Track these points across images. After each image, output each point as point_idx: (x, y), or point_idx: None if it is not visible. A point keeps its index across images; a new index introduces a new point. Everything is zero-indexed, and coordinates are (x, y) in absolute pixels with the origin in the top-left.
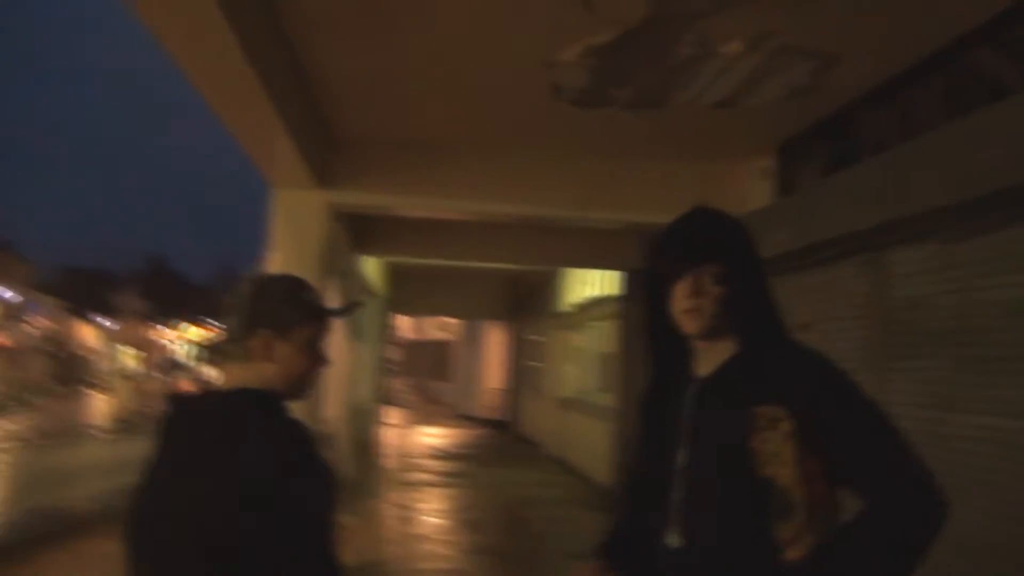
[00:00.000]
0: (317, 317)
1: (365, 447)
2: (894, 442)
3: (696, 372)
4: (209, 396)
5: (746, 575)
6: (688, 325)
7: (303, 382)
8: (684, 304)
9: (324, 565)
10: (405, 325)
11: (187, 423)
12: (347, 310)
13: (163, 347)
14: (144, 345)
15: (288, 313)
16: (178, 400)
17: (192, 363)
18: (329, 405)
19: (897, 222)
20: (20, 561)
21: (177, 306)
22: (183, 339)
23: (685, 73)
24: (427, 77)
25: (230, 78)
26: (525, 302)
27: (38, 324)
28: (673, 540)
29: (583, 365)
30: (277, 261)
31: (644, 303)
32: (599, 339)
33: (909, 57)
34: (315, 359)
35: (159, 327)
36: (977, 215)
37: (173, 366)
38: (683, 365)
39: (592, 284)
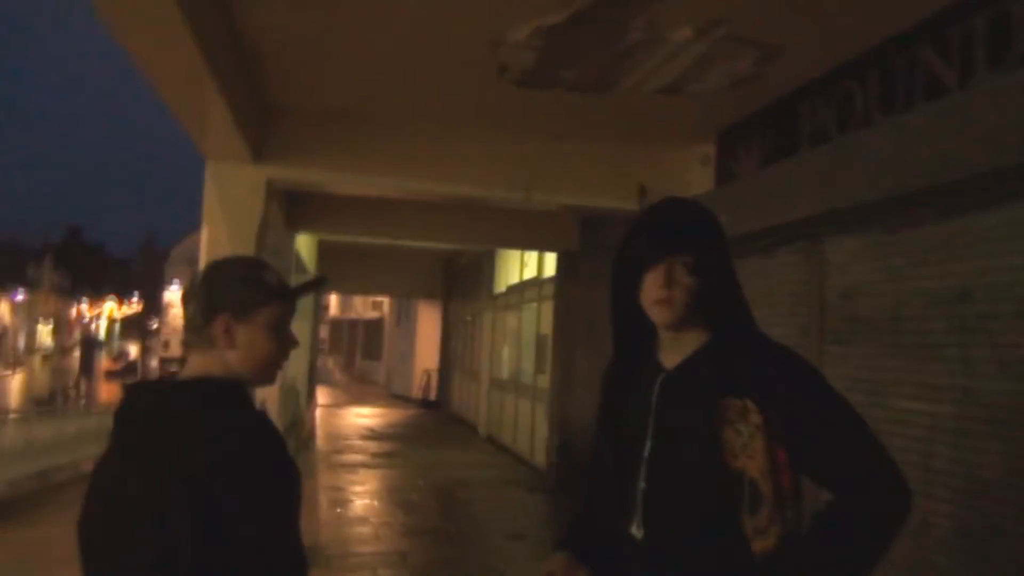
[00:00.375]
0: (279, 298)
1: (297, 428)
2: (863, 436)
3: (662, 362)
4: (166, 386)
5: (712, 566)
6: (659, 314)
7: (270, 366)
8: (656, 293)
9: (283, 561)
10: (336, 303)
11: (140, 414)
12: (311, 287)
13: (81, 322)
14: (60, 320)
15: (248, 295)
16: (134, 389)
17: (111, 339)
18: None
19: (834, 212)
20: None
21: (96, 279)
22: (103, 314)
23: (632, 57)
24: (370, 50)
25: (164, 43)
26: (460, 282)
27: None
28: (636, 531)
29: (518, 346)
30: (210, 237)
31: (612, 290)
32: (534, 320)
33: (849, 51)
34: (282, 342)
35: (77, 301)
36: (910, 208)
37: (92, 342)
38: (646, 354)
39: (528, 265)
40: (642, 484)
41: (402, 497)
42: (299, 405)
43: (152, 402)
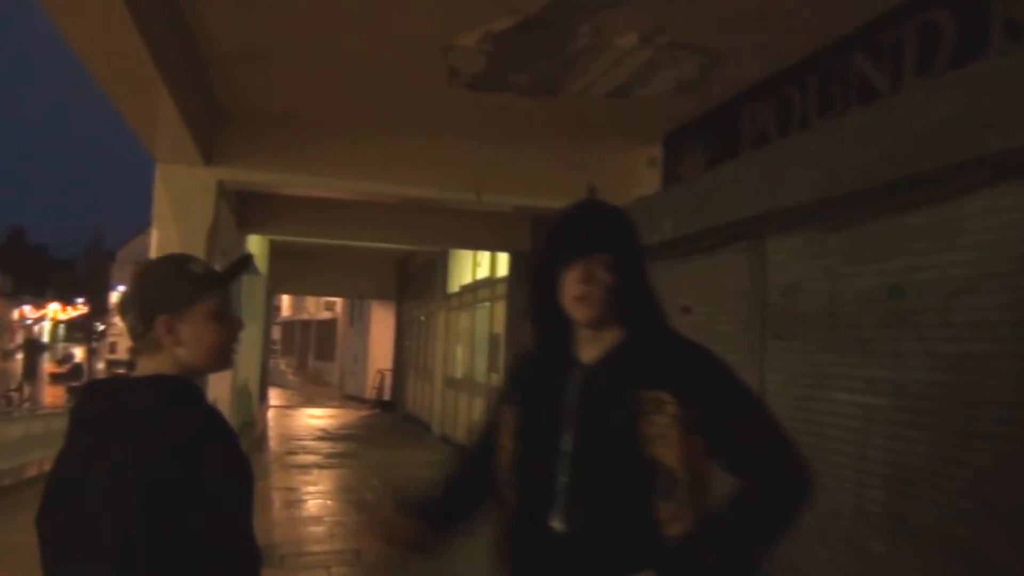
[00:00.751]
0: (211, 286)
1: (249, 429)
2: (768, 425)
3: (579, 358)
4: (119, 384)
5: (630, 553)
6: (578, 311)
7: (221, 352)
8: (576, 290)
9: (236, 556)
10: (287, 304)
11: (95, 413)
12: (239, 268)
13: (24, 325)
14: (2, 323)
15: (180, 291)
16: (89, 388)
17: (56, 342)
18: (213, 386)
19: (775, 212)
20: None
21: (40, 282)
22: (47, 316)
23: (579, 63)
24: (320, 55)
25: (114, 44)
26: (413, 282)
27: None
28: (558, 524)
29: (472, 345)
30: (161, 239)
31: (532, 287)
32: (487, 320)
33: (788, 58)
34: (227, 327)
35: (19, 304)
36: (845, 208)
37: (36, 345)
38: (564, 351)
39: (480, 265)
40: (563, 478)
41: (356, 497)
42: (251, 406)
43: (106, 401)
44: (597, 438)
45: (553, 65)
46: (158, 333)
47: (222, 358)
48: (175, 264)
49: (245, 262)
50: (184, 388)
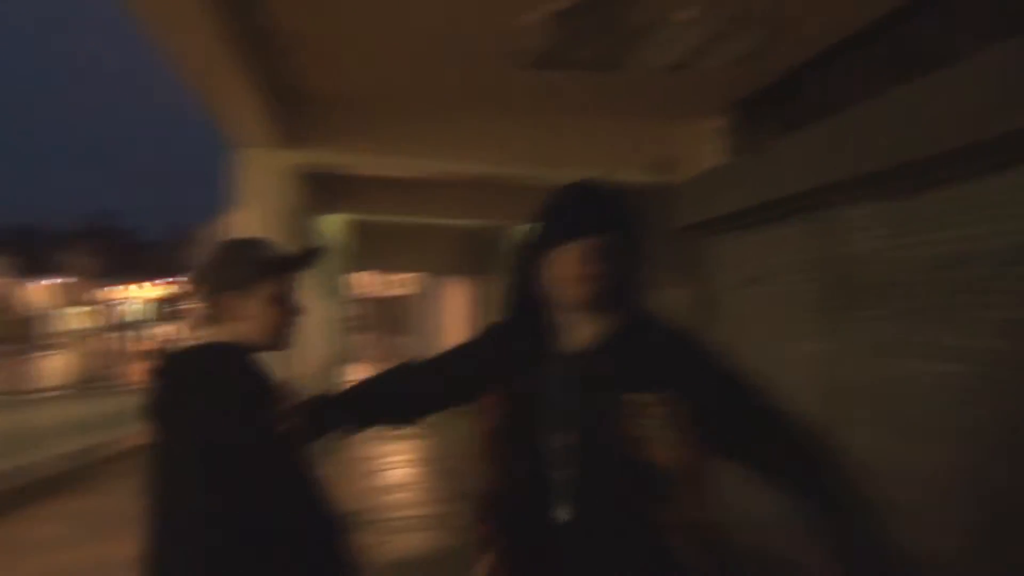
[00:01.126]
0: (275, 271)
1: None
2: (777, 409)
3: (561, 348)
4: (186, 352)
5: (635, 545)
6: (575, 292)
7: (278, 334)
8: (576, 270)
9: (290, 504)
10: (365, 281)
11: (166, 377)
12: (306, 259)
13: (114, 305)
14: (94, 304)
15: (244, 274)
16: (165, 356)
17: (146, 321)
18: (302, 361)
19: (844, 182)
20: None
21: (128, 264)
22: (135, 297)
23: (642, 36)
24: (390, 36)
25: (195, 35)
26: (486, 257)
27: None
28: (563, 514)
29: None
30: (242, 221)
31: (519, 268)
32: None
33: (855, 24)
34: (285, 311)
35: (110, 285)
36: (916, 176)
37: (125, 325)
38: (539, 339)
39: None
40: (561, 473)
41: (440, 465)
42: (334, 381)
43: (176, 365)
44: (595, 436)
45: (615, 40)
46: (223, 307)
47: (278, 338)
48: (245, 248)
49: (310, 255)
50: (233, 353)
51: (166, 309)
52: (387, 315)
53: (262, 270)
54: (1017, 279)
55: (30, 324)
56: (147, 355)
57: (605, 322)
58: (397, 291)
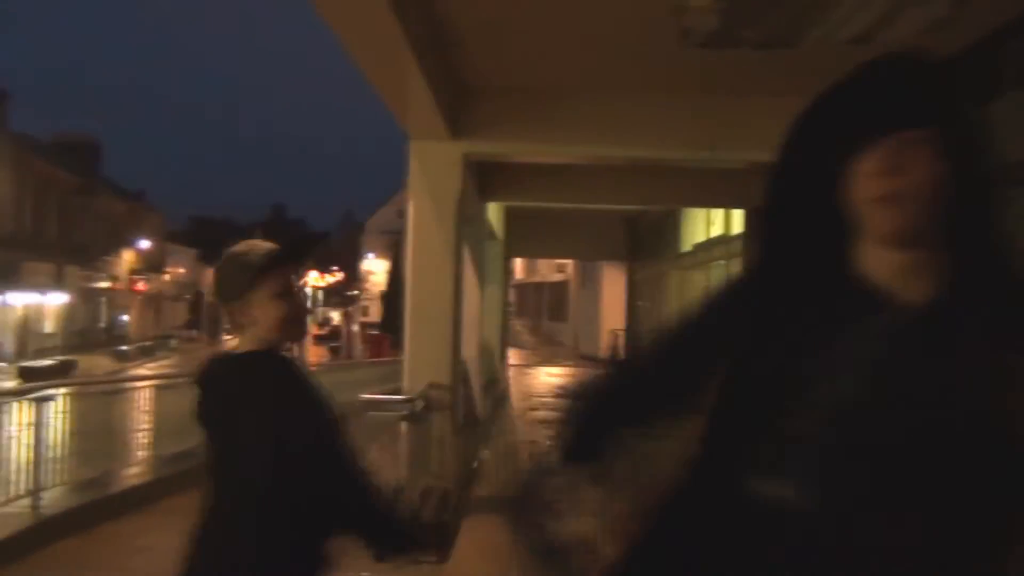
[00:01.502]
0: (264, 273)
1: (492, 386)
2: None
3: (882, 300)
4: (218, 358)
5: None
6: (880, 219)
7: (291, 326)
8: (878, 186)
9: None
10: (521, 267)
11: (206, 379)
12: (293, 252)
13: None
14: None
15: (239, 282)
16: (209, 361)
17: (316, 307)
18: (464, 347)
19: None
20: (156, 504)
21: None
22: (307, 284)
23: (817, 9)
24: (553, 24)
25: (373, 28)
26: (643, 243)
27: (174, 272)
28: (894, 537)
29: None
30: (416, 209)
31: (785, 170)
32: (722, 279)
33: None
34: (287, 306)
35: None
36: None
37: None
38: (842, 281)
39: (714, 223)
40: (886, 483)
41: None
42: (494, 364)
43: (210, 370)
44: (938, 425)
45: (787, 16)
46: (236, 316)
47: (292, 330)
48: (234, 259)
49: (297, 247)
50: (251, 358)
51: (334, 297)
52: (544, 301)
53: (251, 275)
54: None
55: (217, 310)
56: (318, 339)
57: (942, 260)
58: (553, 277)
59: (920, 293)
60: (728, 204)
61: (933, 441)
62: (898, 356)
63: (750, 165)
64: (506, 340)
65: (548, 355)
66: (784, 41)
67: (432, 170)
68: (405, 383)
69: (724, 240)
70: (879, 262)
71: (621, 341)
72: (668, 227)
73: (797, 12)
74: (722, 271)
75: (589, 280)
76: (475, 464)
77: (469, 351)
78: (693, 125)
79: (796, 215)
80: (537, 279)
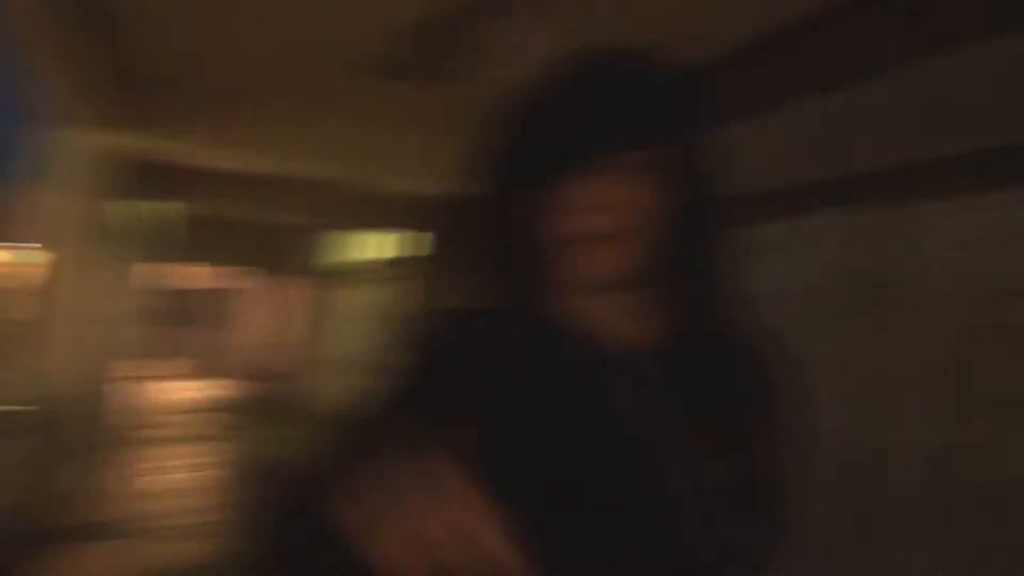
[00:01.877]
0: None
1: (98, 400)
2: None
3: (593, 346)
4: None
5: None
6: (587, 260)
7: None
8: (579, 223)
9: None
10: (167, 274)
11: None
12: None
13: None
14: None
15: None
16: None
17: None
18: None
19: None
20: None
21: None
22: None
23: (481, 54)
24: (224, 24)
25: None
26: (299, 256)
27: None
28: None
29: (359, 324)
30: (54, 206)
31: (491, 212)
32: (376, 298)
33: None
34: None
35: None
36: None
37: None
38: (542, 335)
39: (372, 244)
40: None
41: (223, 472)
42: (101, 378)
43: None
44: (650, 479)
45: (469, 55)
46: None
47: None
48: None
49: None
50: None
51: None
52: (191, 309)
53: None
54: None
55: None
56: None
57: (657, 304)
58: (203, 284)
59: (633, 338)
60: (381, 226)
61: (646, 495)
62: (608, 406)
63: (400, 192)
64: (143, 351)
65: (191, 367)
66: (461, 78)
67: (76, 163)
68: None
69: (382, 261)
70: (589, 305)
71: (274, 355)
72: (324, 243)
73: (473, 53)
74: (375, 292)
75: (243, 290)
76: (62, 488)
77: (74, 363)
78: (348, 149)
79: (497, 253)
80: (188, 286)
